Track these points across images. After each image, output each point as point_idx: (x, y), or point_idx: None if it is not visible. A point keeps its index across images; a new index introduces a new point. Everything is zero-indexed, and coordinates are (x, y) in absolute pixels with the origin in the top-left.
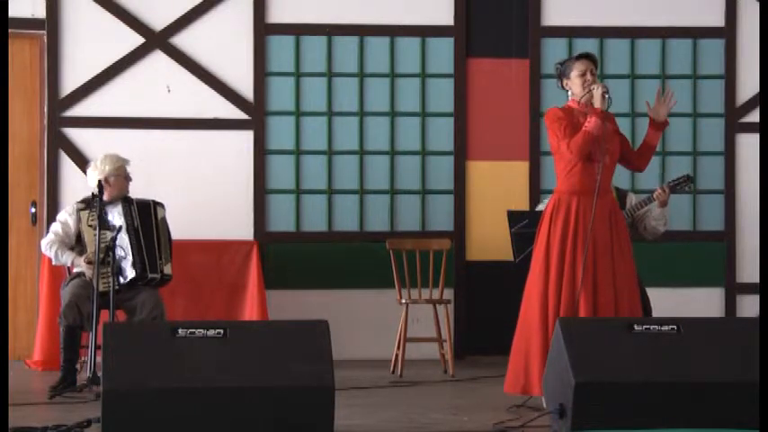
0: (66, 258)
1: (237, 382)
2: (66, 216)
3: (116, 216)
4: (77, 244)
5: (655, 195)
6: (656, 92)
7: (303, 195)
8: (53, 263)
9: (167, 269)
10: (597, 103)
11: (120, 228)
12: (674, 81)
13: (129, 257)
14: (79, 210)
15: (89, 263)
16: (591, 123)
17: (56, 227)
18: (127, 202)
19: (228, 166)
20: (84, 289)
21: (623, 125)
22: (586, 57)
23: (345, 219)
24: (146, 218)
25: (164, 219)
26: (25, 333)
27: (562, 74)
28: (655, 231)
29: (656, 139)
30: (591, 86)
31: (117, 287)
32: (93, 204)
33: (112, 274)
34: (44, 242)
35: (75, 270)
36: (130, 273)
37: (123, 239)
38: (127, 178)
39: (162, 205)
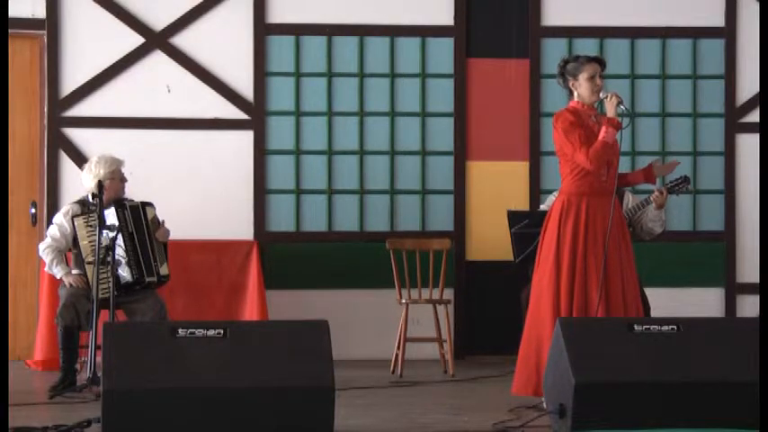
0: (57, 271)
1: (237, 382)
2: (61, 218)
3: (110, 220)
4: (74, 246)
5: (652, 198)
6: (670, 161)
7: (303, 195)
8: (45, 269)
9: (164, 269)
10: (611, 113)
11: (120, 228)
12: (674, 81)
13: (125, 261)
14: (74, 216)
15: (80, 274)
16: (609, 134)
17: (53, 230)
18: (120, 207)
19: (228, 166)
20: (82, 288)
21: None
22: (596, 60)
23: (345, 219)
24: (138, 221)
25: (154, 218)
26: (25, 333)
27: (568, 73)
28: (651, 232)
29: (637, 184)
30: (605, 95)
31: (115, 293)
32: (90, 206)
33: (112, 273)
34: (42, 246)
35: (65, 279)
36: (128, 277)
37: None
38: (122, 180)
39: (151, 204)
